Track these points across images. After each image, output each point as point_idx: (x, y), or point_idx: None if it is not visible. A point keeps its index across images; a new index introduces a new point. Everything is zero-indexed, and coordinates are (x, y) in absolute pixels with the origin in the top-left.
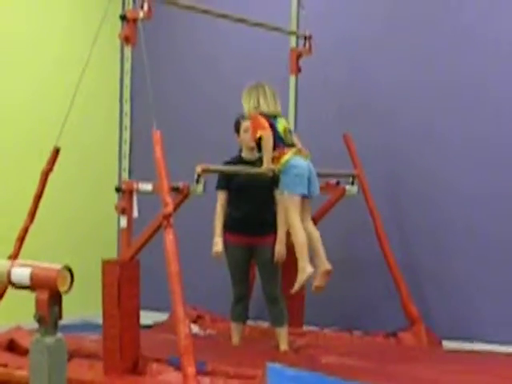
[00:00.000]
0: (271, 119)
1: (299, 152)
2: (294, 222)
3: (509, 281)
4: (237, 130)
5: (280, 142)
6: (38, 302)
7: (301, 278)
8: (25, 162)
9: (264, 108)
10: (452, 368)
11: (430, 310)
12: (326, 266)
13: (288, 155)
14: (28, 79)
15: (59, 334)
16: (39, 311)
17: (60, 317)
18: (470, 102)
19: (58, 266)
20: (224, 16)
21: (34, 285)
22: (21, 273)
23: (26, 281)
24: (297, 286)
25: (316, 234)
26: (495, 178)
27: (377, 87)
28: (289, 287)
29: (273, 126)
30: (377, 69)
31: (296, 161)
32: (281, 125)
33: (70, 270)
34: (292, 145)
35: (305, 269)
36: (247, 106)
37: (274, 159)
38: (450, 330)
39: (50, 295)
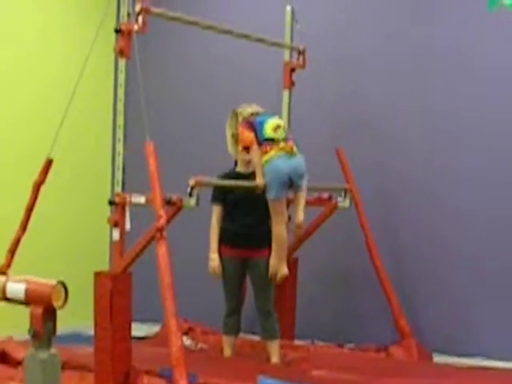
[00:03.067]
0: (254, 119)
1: (283, 148)
2: (275, 224)
3: (500, 296)
4: None
5: (263, 140)
6: (32, 317)
7: (276, 273)
8: (18, 173)
9: (245, 114)
10: (442, 382)
11: (421, 324)
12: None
13: (270, 154)
14: (22, 92)
15: (53, 349)
16: (33, 326)
17: (54, 332)
18: (462, 119)
19: (53, 282)
20: (218, 30)
21: (29, 300)
22: (16, 288)
23: (21, 296)
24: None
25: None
26: (486, 195)
27: (370, 102)
28: (281, 301)
29: (255, 127)
30: (370, 83)
31: (274, 163)
32: (270, 124)
33: (65, 286)
34: (283, 140)
35: (283, 270)
36: (229, 131)
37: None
38: (441, 344)
39: (44, 310)
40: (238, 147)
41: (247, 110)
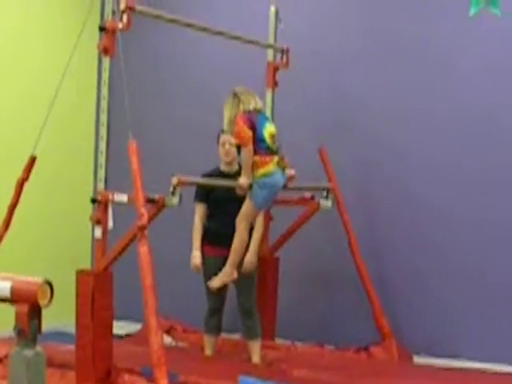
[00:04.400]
0: (256, 117)
1: (280, 162)
2: (243, 228)
3: (480, 297)
4: (218, 141)
5: (262, 146)
6: (17, 315)
7: (222, 277)
8: (1, 170)
9: (246, 106)
10: (421, 383)
11: (401, 324)
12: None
13: (267, 168)
14: (5, 89)
15: (38, 347)
16: (19, 324)
17: (39, 330)
18: (447, 118)
19: (39, 280)
20: (202, 29)
21: (15, 298)
22: (1, 286)
23: (7, 294)
24: (216, 283)
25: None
26: (468, 196)
27: (353, 102)
28: (261, 300)
29: (255, 127)
30: (353, 83)
31: (274, 178)
32: (267, 130)
33: (50, 284)
34: (276, 152)
35: (231, 273)
36: (228, 113)
37: (254, 164)
38: (421, 345)
39: (29, 309)
40: (223, 148)
41: (251, 102)
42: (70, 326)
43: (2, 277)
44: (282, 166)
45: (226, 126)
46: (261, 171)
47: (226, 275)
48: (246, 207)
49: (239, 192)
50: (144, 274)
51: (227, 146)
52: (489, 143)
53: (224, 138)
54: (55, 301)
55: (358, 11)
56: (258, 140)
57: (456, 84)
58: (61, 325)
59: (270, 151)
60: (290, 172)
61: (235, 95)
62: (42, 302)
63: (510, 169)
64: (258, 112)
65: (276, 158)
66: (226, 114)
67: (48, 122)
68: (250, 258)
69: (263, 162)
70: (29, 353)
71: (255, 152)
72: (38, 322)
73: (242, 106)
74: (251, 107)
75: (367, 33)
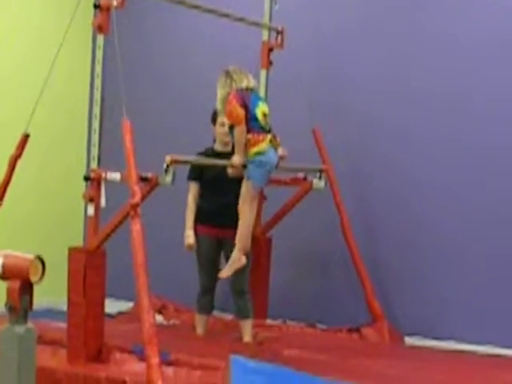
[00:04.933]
0: (249, 96)
1: (273, 141)
2: (246, 211)
3: (473, 279)
4: (213, 120)
5: (255, 124)
6: (9, 291)
7: (232, 266)
8: None
9: (239, 85)
10: (413, 365)
11: (393, 306)
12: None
13: (261, 146)
14: None
15: (29, 324)
16: (10, 300)
17: (31, 307)
18: (443, 100)
19: (31, 256)
20: (196, 7)
21: (6, 274)
22: None
23: None
24: (227, 273)
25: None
26: (462, 178)
27: (348, 83)
28: (254, 280)
29: (248, 106)
30: (348, 64)
31: (268, 156)
32: (260, 109)
33: (42, 260)
34: (269, 130)
35: (239, 259)
36: (221, 92)
37: (248, 143)
38: (414, 327)
39: (21, 285)
40: (223, 128)
41: (243, 81)
42: (62, 304)
43: None
44: (274, 145)
45: (218, 105)
46: (254, 149)
47: (235, 262)
48: (246, 189)
49: (230, 171)
50: (136, 252)
51: (227, 128)
52: (483, 121)
53: (223, 118)
54: (47, 278)
55: None
56: (250, 119)
57: (452, 63)
58: (53, 302)
59: (263, 130)
60: (282, 152)
61: (228, 74)
62: (34, 278)
63: (504, 146)
64: (251, 91)
65: (269, 137)
66: (219, 93)
67: (41, 100)
68: (236, 253)
69: (256, 140)
70: (20, 329)
71: (248, 130)
72: (30, 299)
73: (234, 85)
74: (244, 86)
75: (362, 13)
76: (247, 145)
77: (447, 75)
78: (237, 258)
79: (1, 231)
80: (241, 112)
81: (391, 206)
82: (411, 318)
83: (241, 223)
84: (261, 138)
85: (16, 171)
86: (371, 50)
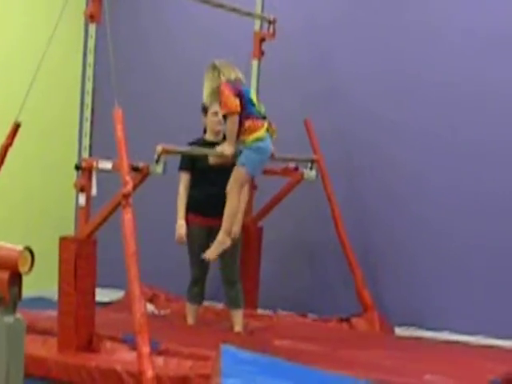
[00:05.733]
0: (240, 85)
1: (269, 128)
2: (235, 195)
3: (464, 270)
4: (204, 110)
5: (252, 111)
6: None
7: (217, 247)
8: None
9: (230, 76)
10: (402, 355)
11: (383, 296)
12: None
13: (260, 133)
14: None
15: (18, 314)
16: None
17: (20, 297)
18: (433, 90)
19: (20, 247)
20: None
21: None
22: None
23: None
24: (211, 255)
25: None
26: (454, 169)
27: (340, 73)
28: (244, 270)
29: (242, 93)
30: (340, 55)
31: (265, 143)
32: (253, 95)
33: (31, 251)
34: (264, 117)
35: (224, 241)
36: (209, 84)
37: (247, 129)
38: (403, 317)
39: (10, 275)
40: (215, 117)
41: (231, 73)
42: (52, 293)
43: None
44: (270, 132)
45: (205, 98)
46: (254, 135)
47: (220, 244)
48: (237, 174)
49: (212, 160)
50: (128, 242)
51: (220, 116)
52: (474, 113)
53: (217, 107)
54: (39, 267)
55: None
56: (248, 105)
57: (444, 52)
58: (44, 291)
59: (260, 116)
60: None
61: (215, 67)
62: (23, 269)
63: (498, 139)
64: (239, 82)
65: (266, 124)
66: (207, 86)
67: (33, 89)
68: (234, 228)
69: (256, 126)
70: (9, 319)
71: (247, 116)
72: (19, 289)
73: (223, 77)
74: (232, 77)
75: (354, 4)
76: (246, 131)
77: (441, 66)
78: (221, 240)
79: None
80: (235, 101)
81: (382, 196)
82: (401, 309)
83: (227, 206)
84: (259, 124)
85: (7, 160)
86: (363, 40)
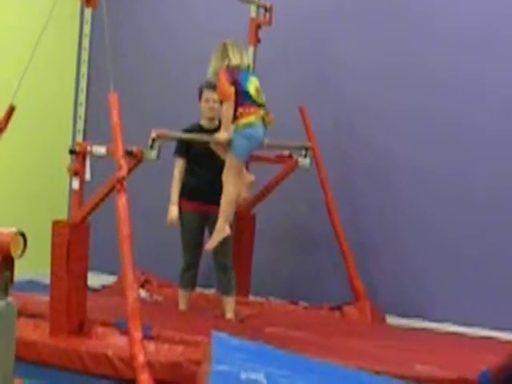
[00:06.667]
0: (240, 73)
1: (265, 117)
2: (230, 182)
3: (457, 259)
4: (200, 96)
5: (246, 98)
6: None
7: (217, 236)
8: None
9: (233, 61)
10: (393, 344)
11: (376, 285)
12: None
13: (251, 118)
14: None
15: (10, 298)
16: None
17: (12, 281)
18: (432, 80)
19: (12, 231)
20: None
21: None
22: None
23: None
24: (212, 244)
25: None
26: (447, 159)
27: (335, 61)
28: (237, 257)
29: (238, 81)
30: (336, 42)
31: (255, 130)
32: (252, 84)
33: (24, 235)
34: (262, 105)
35: (223, 229)
36: (214, 63)
37: (239, 115)
38: (395, 306)
39: (2, 259)
40: (207, 104)
41: (236, 58)
42: (45, 277)
43: None
44: (266, 121)
45: (210, 75)
46: (243, 121)
47: (219, 232)
48: (230, 161)
49: (213, 147)
50: (121, 226)
51: (211, 104)
52: (467, 103)
53: (208, 94)
54: (32, 250)
55: None
56: (242, 93)
57: (437, 43)
58: (36, 275)
59: (256, 104)
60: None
61: (224, 48)
62: (15, 252)
63: (490, 129)
64: (243, 69)
65: (261, 112)
66: (212, 64)
67: (28, 73)
68: (220, 224)
69: (247, 112)
70: (0, 303)
71: (240, 104)
72: (11, 273)
73: (226, 61)
74: (234, 63)
75: None
76: (238, 117)
77: (439, 56)
78: (221, 229)
79: None
80: (229, 89)
81: (376, 185)
82: (393, 298)
83: (224, 194)
84: (252, 110)
85: (1, 143)
86: (360, 28)
